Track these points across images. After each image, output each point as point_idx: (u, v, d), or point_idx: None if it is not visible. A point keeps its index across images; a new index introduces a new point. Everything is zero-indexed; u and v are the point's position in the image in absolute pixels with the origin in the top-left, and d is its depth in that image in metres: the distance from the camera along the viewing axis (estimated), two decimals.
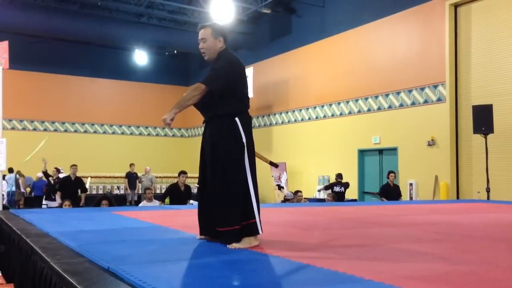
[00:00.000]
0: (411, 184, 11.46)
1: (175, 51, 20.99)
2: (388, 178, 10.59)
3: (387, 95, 12.74)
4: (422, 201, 9.69)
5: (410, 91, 12.07)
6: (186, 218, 5.09)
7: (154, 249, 3.06)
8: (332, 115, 14.57)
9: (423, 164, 11.45)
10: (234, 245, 3.03)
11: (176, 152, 22.26)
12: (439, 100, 11.34)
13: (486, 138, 9.53)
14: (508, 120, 9.99)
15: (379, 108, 12.98)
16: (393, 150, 12.49)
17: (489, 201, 9.06)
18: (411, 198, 11.48)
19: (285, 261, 2.63)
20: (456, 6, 11.25)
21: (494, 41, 10.50)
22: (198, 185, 3.45)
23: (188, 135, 23.23)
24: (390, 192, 10.44)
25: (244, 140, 3.13)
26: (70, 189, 10.11)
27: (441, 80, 11.26)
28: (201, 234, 3.36)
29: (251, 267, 2.50)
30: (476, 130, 9.65)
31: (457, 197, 10.89)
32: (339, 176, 11.99)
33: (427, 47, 11.71)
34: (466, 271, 2.45)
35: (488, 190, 9.49)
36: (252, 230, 3.11)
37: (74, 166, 10.45)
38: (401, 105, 12.34)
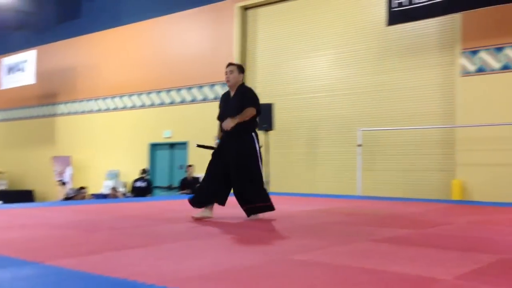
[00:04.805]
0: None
1: None
2: (186, 171, 11.10)
3: (179, 90, 12.84)
4: None
5: (201, 87, 12.37)
6: None
7: None
8: (124, 108, 14.10)
9: None
10: None
11: None
12: None
13: (268, 135, 10.35)
14: (286, 119, 10.99)
15: (171, 103, 13.01)
16: (184, 144, 12.66)
17: (270, 193, 9.80)
18: None
19: (57, 271, 2.32)
20: (245, 9, 11.92)
21: (277, 45, 11.43)
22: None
23: None
24: (190, 185, 10.82)
25: (258, 149, 4.70)
26: None
27: None
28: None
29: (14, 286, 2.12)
30: (259, 127, 10.42)
31: None
32: (144, 171, 11.84)
33: (218, 46, 12.16)
34: (250, 266, 2.50)
35: (267, 183, 10.31)
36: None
37: None
38: (192, 100, 12.58)
